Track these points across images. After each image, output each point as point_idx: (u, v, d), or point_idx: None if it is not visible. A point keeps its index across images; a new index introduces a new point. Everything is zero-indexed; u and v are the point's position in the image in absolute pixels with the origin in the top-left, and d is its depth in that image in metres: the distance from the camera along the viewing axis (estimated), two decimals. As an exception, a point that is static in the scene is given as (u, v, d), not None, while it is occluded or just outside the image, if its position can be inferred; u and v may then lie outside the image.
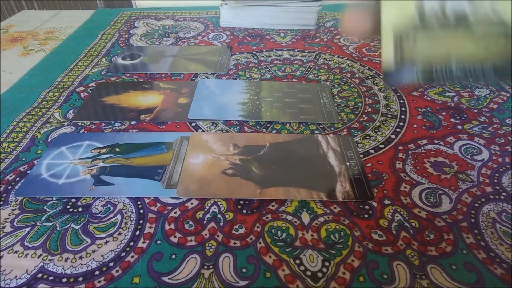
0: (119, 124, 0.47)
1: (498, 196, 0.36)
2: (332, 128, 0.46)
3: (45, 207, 0.35)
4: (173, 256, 0.31)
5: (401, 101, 0.50)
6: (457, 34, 0.20)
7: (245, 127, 0.46)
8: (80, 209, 0.35)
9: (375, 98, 0.51)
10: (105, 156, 0.41)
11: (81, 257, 0.31)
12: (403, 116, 0.47)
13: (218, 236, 0.32)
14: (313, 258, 0.31)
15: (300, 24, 0.74)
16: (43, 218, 0.34)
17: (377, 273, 0.29)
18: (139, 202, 0.36)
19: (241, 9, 0.74)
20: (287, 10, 0.72)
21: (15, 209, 0.35)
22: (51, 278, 0.29)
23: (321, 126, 0.46)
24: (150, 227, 0.33)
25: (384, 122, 0.46)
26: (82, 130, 0.46)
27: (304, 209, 0.35)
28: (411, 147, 0.42)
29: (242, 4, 0.72)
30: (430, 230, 0.33)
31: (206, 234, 0.33)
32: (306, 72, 0.58)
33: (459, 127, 0.45)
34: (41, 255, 0.31)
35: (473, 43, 0.20)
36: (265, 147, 0.42)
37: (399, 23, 0.21)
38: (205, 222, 0.34)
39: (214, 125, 0.46)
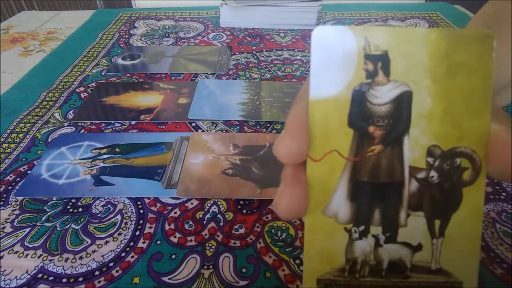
0: (119, 124, 0.47)
1: (498, 196, 0.36)
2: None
3: (45, 208, 0.35)
4: (173, 256, 0.31)
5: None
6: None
7: (245, 127, 0.46)
8: (80, 209, 0.35)
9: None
10: (105, 156, 0.41)
11: (81, 257, 0.31)
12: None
13: (218, 236, 0.32)
14: (313, 258, 0.31)
15: (300, 24, 0.74)
16: (43, 218, 0.34)
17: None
18: (139, 202, 0.36)
19: (241, 9, 0.74)
20: (287, 10, 0.72)
21: (15, 210, 0.35)
22: (51, 278, 0.29)
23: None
24: (150, 227, 0.33)
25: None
26: (82, 131, 0.46)
27: (304, 209, 0.35)
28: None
29: (242, 4, 0.72)
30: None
31: (206, 234, 0.33)
32: (306, 72, 0.58)
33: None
34: (41, 255, 0.31)
35: None
36: (265, 147, 0.42)
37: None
38: (205, 222, 0.34)
39: (214, 125, 0.46)
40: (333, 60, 0.16)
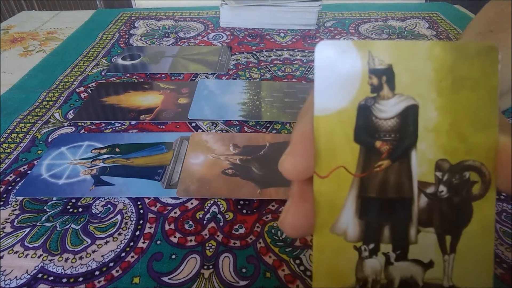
0: (119, 124, 0.47)
1: (498, 196, 0.36)
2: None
3: (45, 208, 0.35)
4: (173, 256, 0.31)
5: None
6: None
7: (245, 127, 0.46)
8: (80, 210, 0.35)
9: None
10: (105, 156, 0.41)
11: (81, 257, 0.31)
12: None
13: (218, 236, 0.32)
14: (313, 258, 0.31)
15: (300, 24, 0.74)
16: (43, 218, 0.34)
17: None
18: (139, 202, 0.36)
19: (241, 9, 0.74)
20: (287, 10, 0.72)
21: (15, 210, 0.35)
22: (51, 278, 0.29)
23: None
24: (150, 227, 0.33)
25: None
26: (82, 131, 0.46)
27: (304, 209, 0.35)
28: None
29: (242, 4, 0.72)
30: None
31: (206, 234, 0.33)
32: (306, 72, 0.58)
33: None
34: (41, 255, 0.31)
35: None
36: (265, 147, 0.42)
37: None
38: (205, 222, 0.34)
39: (214, 125, 0.46)
40: (337, 75, 0.15)
